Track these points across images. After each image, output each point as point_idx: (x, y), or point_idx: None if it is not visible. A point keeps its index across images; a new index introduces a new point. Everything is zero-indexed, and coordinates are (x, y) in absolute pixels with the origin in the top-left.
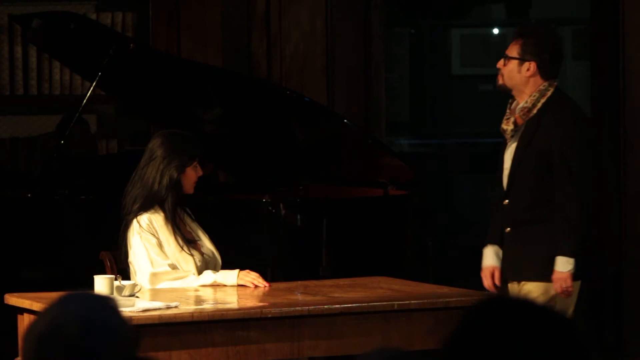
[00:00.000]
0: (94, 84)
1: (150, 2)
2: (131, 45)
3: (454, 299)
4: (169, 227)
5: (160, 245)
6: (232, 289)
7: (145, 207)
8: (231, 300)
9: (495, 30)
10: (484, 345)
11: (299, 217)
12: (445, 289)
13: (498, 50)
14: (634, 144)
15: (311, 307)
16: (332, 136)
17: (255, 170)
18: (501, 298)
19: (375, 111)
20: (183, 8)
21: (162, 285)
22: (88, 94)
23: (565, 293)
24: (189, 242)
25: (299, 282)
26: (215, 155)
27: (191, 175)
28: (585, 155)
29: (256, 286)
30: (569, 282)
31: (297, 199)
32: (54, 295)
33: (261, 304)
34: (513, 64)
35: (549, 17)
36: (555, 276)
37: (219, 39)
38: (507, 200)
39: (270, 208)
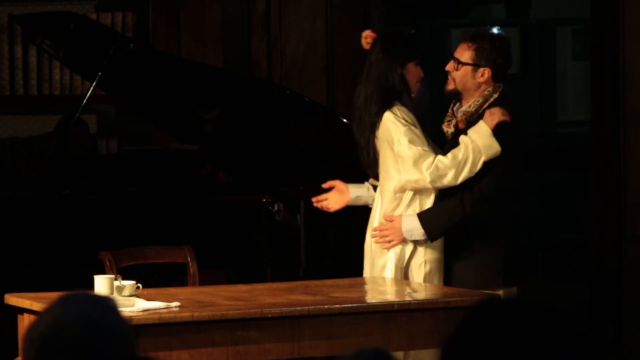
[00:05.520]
0: (94, 84)
1: (150, 2)
2: (131, 45)
3: (454, 299)
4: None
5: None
6: (232, 289)
7: (386, 102)
8: (231, 301)
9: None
10: (484, 346)
11: (298, 217)
12: (445, 289)
13: None
14: (634, 144)
15: (311, 307)
16: (332, 136)
17: (255, 170)
18: (501, 298)
19: None
20: (183, 8)
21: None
22: (88, 94)
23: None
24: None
25: (299, 282)
26: (215, 155)
27: (414, 72)
28: (515, 166)
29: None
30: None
31: (297, 199)
32: (54, 295)
33: (261, 304)
34: (466, 70)
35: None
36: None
37: (219, 39)
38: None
39: (270, 208)
